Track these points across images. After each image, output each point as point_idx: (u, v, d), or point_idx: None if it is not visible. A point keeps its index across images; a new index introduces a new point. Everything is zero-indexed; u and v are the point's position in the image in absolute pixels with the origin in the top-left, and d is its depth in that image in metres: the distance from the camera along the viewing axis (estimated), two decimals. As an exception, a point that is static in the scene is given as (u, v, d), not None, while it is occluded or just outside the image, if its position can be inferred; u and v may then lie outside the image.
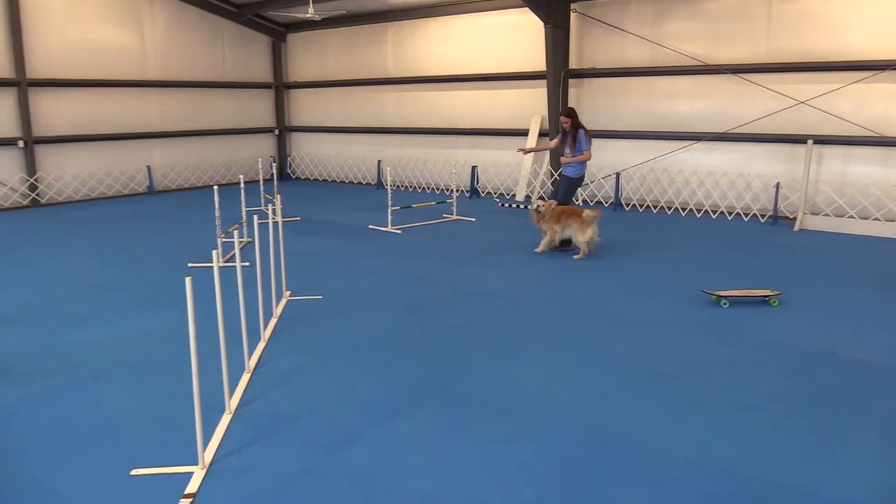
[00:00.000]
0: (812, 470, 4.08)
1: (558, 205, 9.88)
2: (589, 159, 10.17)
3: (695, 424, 4.66)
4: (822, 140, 12.03)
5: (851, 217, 11.67)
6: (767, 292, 7.45)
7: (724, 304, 7.34)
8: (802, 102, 12.12)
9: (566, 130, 10.07)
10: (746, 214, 12.72)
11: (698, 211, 13.12)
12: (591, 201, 14.57)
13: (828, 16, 11.89)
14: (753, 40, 12.62)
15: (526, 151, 11.27)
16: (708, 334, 6.51)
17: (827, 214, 11.92)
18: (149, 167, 16.83)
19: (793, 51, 12.22)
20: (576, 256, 9.56)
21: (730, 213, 12.87)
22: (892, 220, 11.29)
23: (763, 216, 12.59)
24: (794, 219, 11.93)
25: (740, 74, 12.72)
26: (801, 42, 12.14)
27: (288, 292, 7.77)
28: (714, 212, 13.00)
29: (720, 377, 5.49)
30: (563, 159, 10.25)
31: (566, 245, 10.02)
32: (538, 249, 9.89)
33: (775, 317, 7.02)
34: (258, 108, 19.62)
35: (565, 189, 10.25)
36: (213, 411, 4.71)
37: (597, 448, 4.36)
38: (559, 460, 4.20)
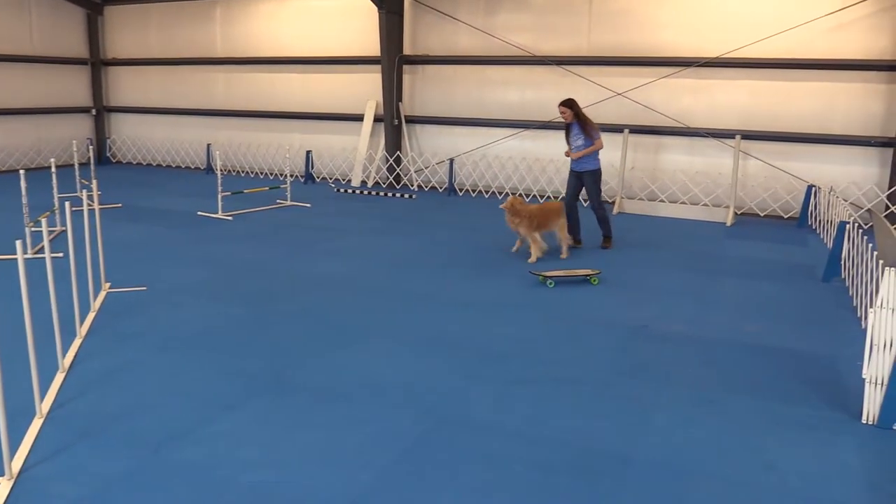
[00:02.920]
0: (629, 436, 4.42)
1: (596, 203, 9.59)
2: (602, 147, 9.52)
3: (524, 399, 4.90)
4: (637, 129, 12.98)
5: (662, 201, 12.70)
6: (588, 272, 7.96)
7: (550, 284, 7.74)
8: (620, 94, 12.97)
9: (568, 122, 9.43)
10: (571, 199, 13.43)
11: (527, 196, 13.70)
12: (426, 187, 14.80)
13: (641, 14, 12.81)
14: (576, 34, 13.34)
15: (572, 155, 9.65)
16: (536, 313, 6.84)
17: (641, 199, 12.89)
18: (-59, 149, 15.11)
19: (611, 45, 13.05)
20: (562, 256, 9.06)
21: (555, 198, 13.51)
22: (696, 204, 12.44)
23: (586, 201, 13.32)
24: (613, 203, 12.78)
25: (564, 66, 13.39)
26: (619, 37, 12.99)
27: (107, 284, 7.27)
28: (541, 197, 13.63)
29: (547, 353, 5.80)
30: (573, 154, 9.49)
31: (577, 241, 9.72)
32: (531, 260, 8.73)
33: (596, 295, 7.51)
34: (72, 87, 18.11)
35: (595, 183, 9.62)
36: (21, 415, 4.33)
37: (431, 428, 4.46)
38: (395, 443, 4.26)
